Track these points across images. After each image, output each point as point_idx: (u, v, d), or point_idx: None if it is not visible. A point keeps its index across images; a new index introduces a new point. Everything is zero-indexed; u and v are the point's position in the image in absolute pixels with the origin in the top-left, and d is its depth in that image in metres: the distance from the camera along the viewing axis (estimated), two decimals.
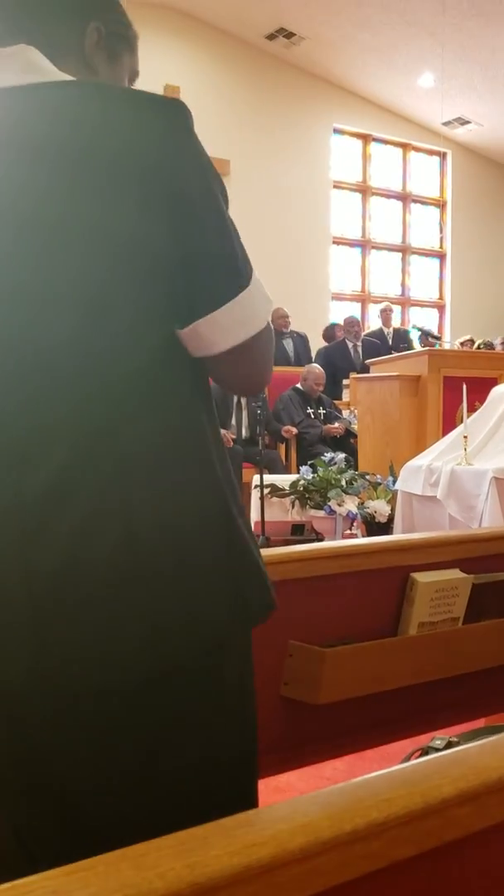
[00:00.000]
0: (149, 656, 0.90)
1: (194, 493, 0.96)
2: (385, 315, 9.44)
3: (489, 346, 9.29)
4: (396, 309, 11.29)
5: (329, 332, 9.28)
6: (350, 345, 8.57)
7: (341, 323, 9.05)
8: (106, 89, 0.97)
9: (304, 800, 0.68)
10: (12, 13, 1.01)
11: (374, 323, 10.03)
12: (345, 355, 8.46)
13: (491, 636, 2.21)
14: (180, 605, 0.92)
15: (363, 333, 8.94)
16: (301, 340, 8.59)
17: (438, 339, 9.14)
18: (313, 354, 8.66)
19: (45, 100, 0.93)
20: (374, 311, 10.97)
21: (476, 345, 9.23)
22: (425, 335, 8.37)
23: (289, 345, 8.41)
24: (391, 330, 9.31)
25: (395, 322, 9.63)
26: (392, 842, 0.67)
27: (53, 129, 0.91)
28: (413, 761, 0.76)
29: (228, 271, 0.96)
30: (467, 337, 9.68)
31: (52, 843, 0.96)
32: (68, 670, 0.88)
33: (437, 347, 7.00)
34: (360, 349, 8.53)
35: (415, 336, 9.12)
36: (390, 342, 8.98)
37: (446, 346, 9.13)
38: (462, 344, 9.28)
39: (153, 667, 0.90)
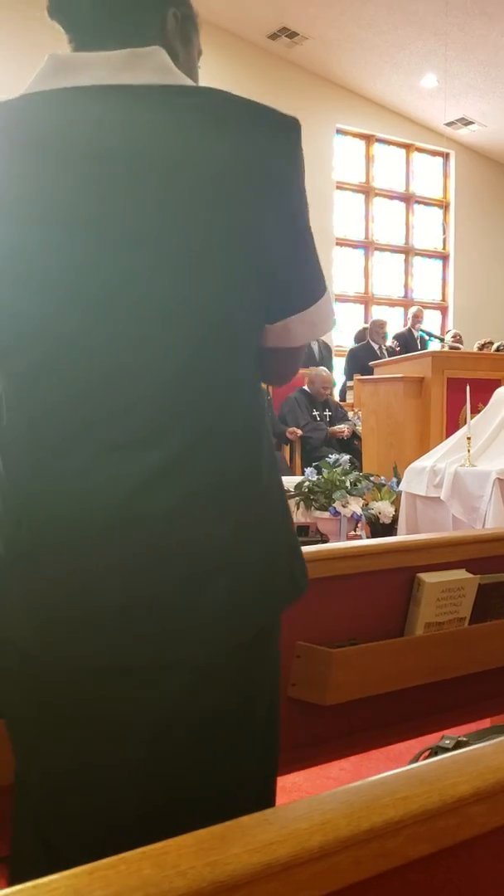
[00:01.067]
0: (231, 628, 0.98)
1: (268, 489, 1.05)
2: (416, 318, 9.47)
3: None
4: (399, 311, 11.31)
5: (360, 335, 9.31)
6: (376, 346, 8.58)
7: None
8: (230, 104, 0.99)
9: (322, 798, 0.68)
10: (107, 8, 1.03)
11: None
12: (371, 357, 8.46)
13: (497, 636, 2.22)
14: (262, 582, 1.02)
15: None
16: (322, 342, 8.59)
17: (442, 339, 9.15)
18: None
19: (174, 111, 0.96)
20: (377, 313, 10.98)
21: (496, 347, 9.27)
22: (438, 339, 8.42)
23: (313, 343, 8.41)
24: (419, 333, 9.33)
25: (399, 324, 9.62)
26: (408, 840, 0.67)
27: (179, 146, 0.94)
28: (428, 760, 0.76)
29: (317, 277, 1.08)
30: (487, 339, 9.71)
31: (79, 838, 0.99)
32: (156, 645, 0.94)
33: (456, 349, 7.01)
34: (384, 350, 8.54)
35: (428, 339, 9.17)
36: (419, 346, 8.99)
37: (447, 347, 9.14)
38: (481, 346, 9.31)
39: (236, 637, 0.99)
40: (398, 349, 8.68)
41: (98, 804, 0.98)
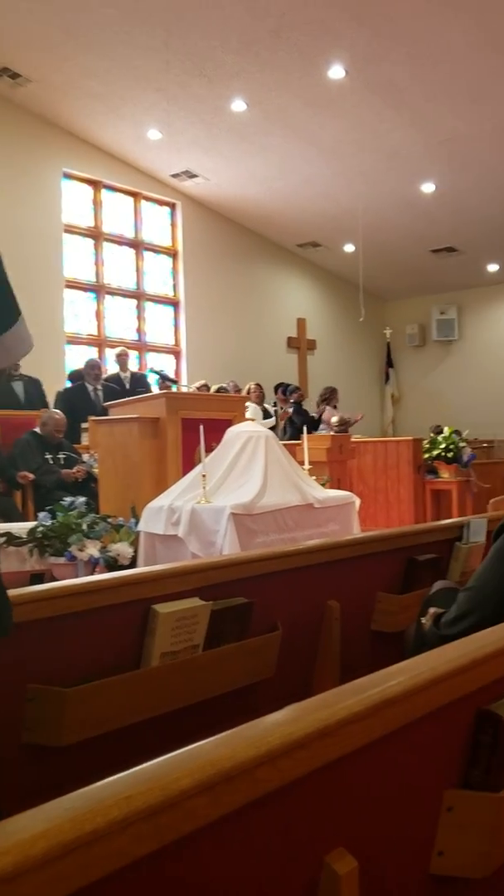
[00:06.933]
0: None
1: None
2: (121, 359, 9.54)
3: (222, 390, 9.75)
4: (133, 353, 11.45)
5: (76, 375, 9.21)
6: (90, 388, 8.55)
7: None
8: None
9: (47, 807, 0.68)
10: None
11: (111, 367, 10.08)
12: (85, 398, 8.41)
13: (230, 660, 2.30)
14: None
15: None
16: (33, 384, 8.37)
17: (175, 382, 9.40)
18: (50, 398, 8.50)
19: None
20: (110, 354, 11.03)
21: (211, 390, 9.64)
22: (163, 378, 8.60)
23: (18, 388, 8.15)
24: (128, 374, 9.42)
25: (133, 366, 9.72)
26: (134, 838, 0.69)
27: None
28: (156, 759, 0.79)
29: (8, 306, 1.16)
30: (202, 382, 10.08)
31: None
32: None
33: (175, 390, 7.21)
34: (100, 392, 8.54)
35: (153, 380, 9.32)
36: (128, 386, 9.07)
37: (183, 390, 9.42)
38: (198, 388, 9.64)
39: None
40: (112, 388, 8.76)
41: None
